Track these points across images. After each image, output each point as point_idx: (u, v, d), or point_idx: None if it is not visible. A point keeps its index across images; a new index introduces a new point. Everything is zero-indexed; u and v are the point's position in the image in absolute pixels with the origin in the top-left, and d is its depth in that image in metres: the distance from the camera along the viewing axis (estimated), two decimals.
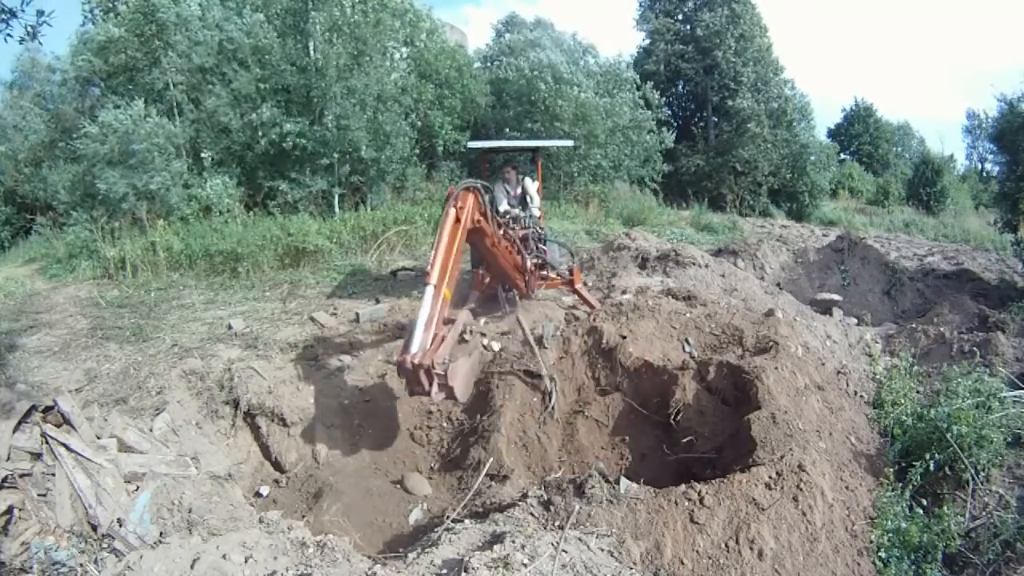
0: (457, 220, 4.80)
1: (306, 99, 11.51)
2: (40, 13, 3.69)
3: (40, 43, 3.83)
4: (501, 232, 6.12)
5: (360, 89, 11.48)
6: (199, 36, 11.33)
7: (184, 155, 11.21)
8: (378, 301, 7.93)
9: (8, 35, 3.66)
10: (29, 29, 3.67)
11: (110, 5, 12.46)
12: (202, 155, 11.37)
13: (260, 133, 11.26)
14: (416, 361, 4.11)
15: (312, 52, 11.09)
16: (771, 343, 5.90)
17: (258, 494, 5.06)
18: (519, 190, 7.75)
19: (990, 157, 26.18)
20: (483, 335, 6.54)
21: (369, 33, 11.73)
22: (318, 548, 3.32)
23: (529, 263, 6.90)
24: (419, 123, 14.33)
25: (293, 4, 11.55)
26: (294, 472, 5.33)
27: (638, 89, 17.81)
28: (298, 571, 2.95)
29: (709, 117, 22.00)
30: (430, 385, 4.17)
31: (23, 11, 3.64)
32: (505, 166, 7.96)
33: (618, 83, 17.48)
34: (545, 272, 7.30)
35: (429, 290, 4.38)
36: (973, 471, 4.61)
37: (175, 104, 11.33)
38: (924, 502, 4.53)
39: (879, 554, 4.14)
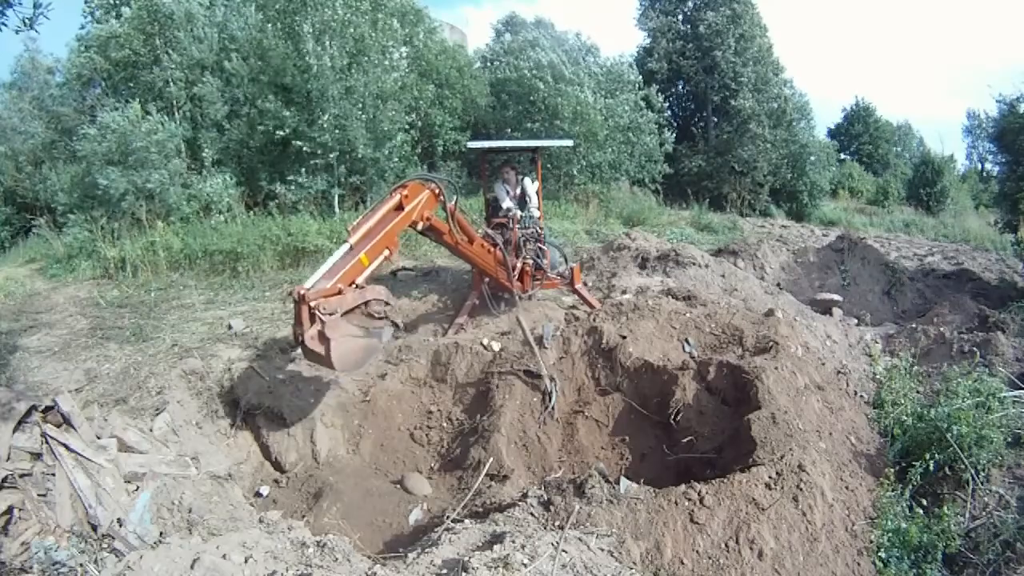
0: (399, 208, 4.80)
1: (306, 99, 11.52)
2: (37, 5, 3.68)
3: (37, 31, 3.81)
4: (481, 233, 6.11)
5: (359, 89, 11.48)
6: (202, 33, 11.33)
7: (183, 153, 11.22)
8: None
9: (4, 24, 3.65)
10: (26, 21, 3.65)
11: (112, 3, 12.49)
12: (203, 154, 11.37)
13: (258, 123, 11.24)
14: (303, 293, 4.07)
15: (309, 52, 11.07)
16: (771, 343, 5.90)
17: (258, 494, 5.06)
18: (519, 190, 7.75)
19: (990, 157, 26.19)
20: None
21: (366, 33, 11.73)
22: (318, 548, 3.32)
23: (520, 263, 6.90)
24: (419, 123, 14.32)
25: (286, 4, 11.55)
26: (294, 472, 5.33)
27: (640, 90, 17.81)
28: (298, 571, 2.95)
29: (709, 117, 22.01)
30: (311, 325, 4.07)
31: (20, 2, 3.63)
32: (504, 166, 7.97)
33: (620, 84, 17.47)
34: (544, 272, 7.30)
35: (344, 246, 4.47)
36: (973, 471, 4.61)
37: (174, 102, 11.34)
38: (924, 502, 4.52)
39: (879, 554, 4.14)
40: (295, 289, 4.12)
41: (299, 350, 4.48)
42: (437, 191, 5.16)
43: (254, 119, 11.36)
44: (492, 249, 6.40)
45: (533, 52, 16.26)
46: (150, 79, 11.46)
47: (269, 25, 11.49)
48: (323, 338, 4.06)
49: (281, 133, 11.17)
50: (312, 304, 4.05)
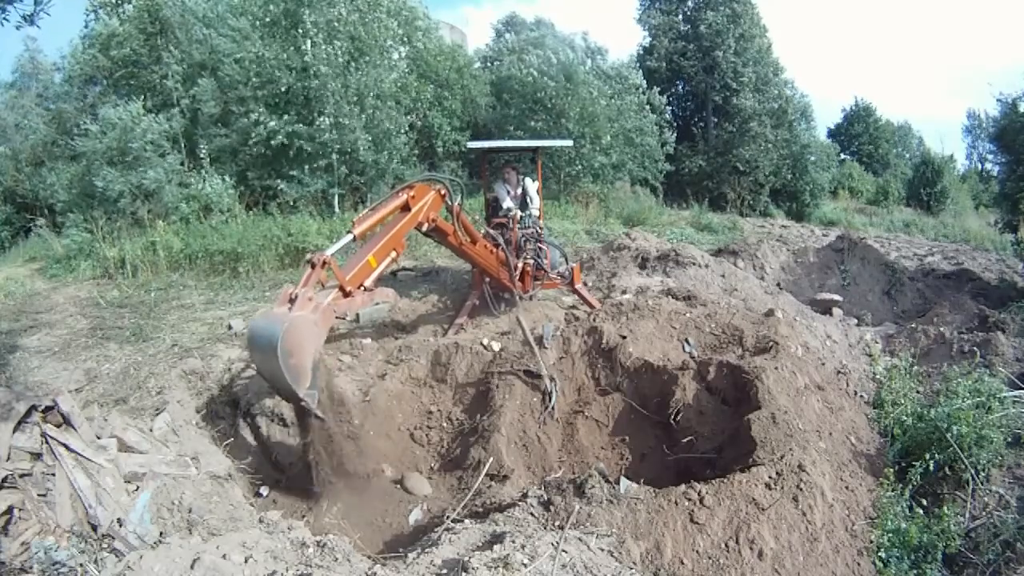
0: (406, 208, 4.74)
1: (304, 100, 11.51)
2: (38, 1, 3.67)
3: (39, 26, 3.79)
4: (483, 232, 6.09)
5: (359, 88, 11.48)
6: (200, 35, 11.33)
7: (181, 150, 11.23)
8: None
9: (5, 19, 3.64)
10: (27, 17, 3.65)
11: (115, 1, 12.52)
12: (200, 154, 11.37)
13: (253, 132, 11.27)
14: (325, 259, 3.97)
15: (309, 53, 11.07)
16: (771, 343, 5.90)
17: (258, 494, 5.06)
18: (519, 190, 7.76)
19: (990, 157, 26.21)
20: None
21: (365, 32, 11.72)
22: (318, 548, 3.32)
23: (521, 263, 6.90)
24: (419, 123, 14.32)
25: (286, 5, 11.53)
26: (294, 472, 5.33)
27: (644, 93, 17.81)
28: (298, 571, 2.95)
29: (709, 117, 22.01)
30: (312, 291, 3.88)
31: None
32: (506, 166, 7.97)
33: (625, 87, 17.46)
34: (544, 272, 7.31)
35: (347, 236, 4.38)
36: (973, 471, 4.61)
37: (175, 99, 11.35)
38: (924, 502, 4.52)
39: (879, 554, 4.14)
40: (316, 255, 4.05)
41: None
42: (443, 192, 5.14)
43: (248, 126, 11.36)
44: (494, 249, 6.39)
45: (543, 50, 16.22)
46: (150, 78, 11.47)
47: (261, 28, 11.47)
48: (312, 309, 3.88)
49: (274, 142, 11.16)
50: (326, 261, 3.97)
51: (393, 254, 4.66)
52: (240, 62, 11.29)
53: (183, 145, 11.37)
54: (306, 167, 11.61)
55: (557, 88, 15.09)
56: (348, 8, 11.45)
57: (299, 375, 3.79)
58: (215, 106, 11.39)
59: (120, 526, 3.71)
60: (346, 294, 4.16)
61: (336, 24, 11.24)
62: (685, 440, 5.16)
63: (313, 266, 4.00)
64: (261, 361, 3.92)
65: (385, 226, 4.64)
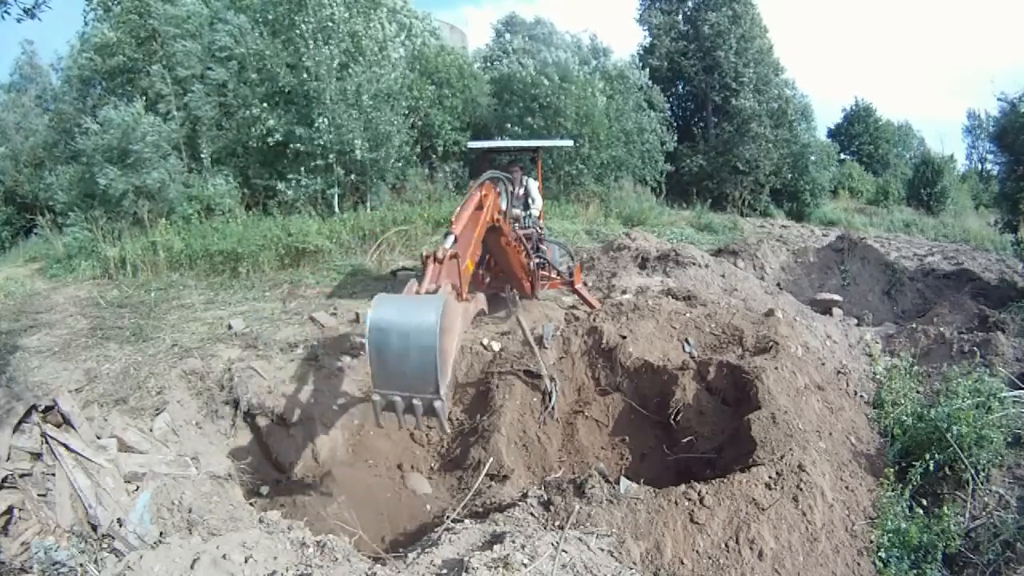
0: (480, 207, 4.54)
1: (305, 100, 11.51)
2: None
3: (40, 19, 3.74)
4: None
5: (357, 88, 11.47)
6: (185, 47, 11.33)
7: (182, 152, 11.23)
8: None
9: (6, 12, 3.63)
10: (27, 11, 3.65)
11: (108, 5, 12.51)
12: (201, 154, 11.37)
13: (252, 130, 11.26)
14: (455, 253, 3.60)
15: (307, 52, 11.06)
16: (771, 343, 5.90)
17: (258, 494, 5.06)
18: (522, 191, 7.76)
19: (990, 157, 26.19)
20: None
21: (363, 32, 11.72)
22: (318, 548, 3.32)
23: (532, 263, 6.92)
24: (419, 123, 14.30)
25: (286, 6, 11.52)
26: (294, 472, 5.33)
27: (645, 93, 17.81)
28: (298, 571, 2.95)
29: (709, 117, 22.00)
30: (436, 285, 3.47)
31: None
32: (510, 166, 7.97)
33: (627, 86, 17.46)
34: (546, 272, 7.31)
35: (451, 237, 3.88)
36: (973, 471, 4.62)
37: (172, 104, 11.35)
38: (924, 502, 4.53)
39: (879, 554, 4.14)
40: (439, 249, 3.64)
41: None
42: (499, 191, 5.03)
43: (248, 122, 11.35)
44: (519, 249, 6.39)
45: (546, 48, 16.20)
46: (146, 84, 11.47)
47: (259, 27, 11.45)
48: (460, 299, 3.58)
49: (272, 140, 11.16)
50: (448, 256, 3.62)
51: (476, 255, 4.44)
52: (236, 58, 11.26)
53: (182, 148, 11.36)
54: (304, 167, 11.60)
55: (552, 87, 15.09)
56: (348, 9, 11.44)
57: (447, 362, 3.19)
58: (211, 109, 11.39)
59: (120, 526, 3.71)
60: (463, 299, 3.75)
61: (331, 25, 11.23)
62: (685, 440, 5.16)
63: (439, 261, 3.56)
64: (397, 346, 3.10)
65: (466, 215, 4.31)
